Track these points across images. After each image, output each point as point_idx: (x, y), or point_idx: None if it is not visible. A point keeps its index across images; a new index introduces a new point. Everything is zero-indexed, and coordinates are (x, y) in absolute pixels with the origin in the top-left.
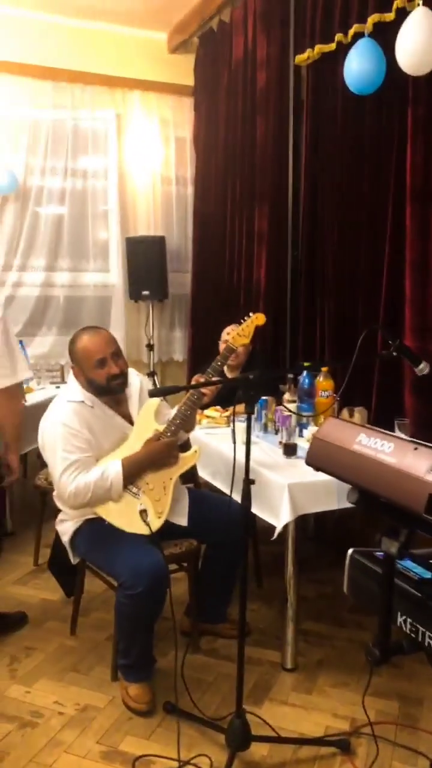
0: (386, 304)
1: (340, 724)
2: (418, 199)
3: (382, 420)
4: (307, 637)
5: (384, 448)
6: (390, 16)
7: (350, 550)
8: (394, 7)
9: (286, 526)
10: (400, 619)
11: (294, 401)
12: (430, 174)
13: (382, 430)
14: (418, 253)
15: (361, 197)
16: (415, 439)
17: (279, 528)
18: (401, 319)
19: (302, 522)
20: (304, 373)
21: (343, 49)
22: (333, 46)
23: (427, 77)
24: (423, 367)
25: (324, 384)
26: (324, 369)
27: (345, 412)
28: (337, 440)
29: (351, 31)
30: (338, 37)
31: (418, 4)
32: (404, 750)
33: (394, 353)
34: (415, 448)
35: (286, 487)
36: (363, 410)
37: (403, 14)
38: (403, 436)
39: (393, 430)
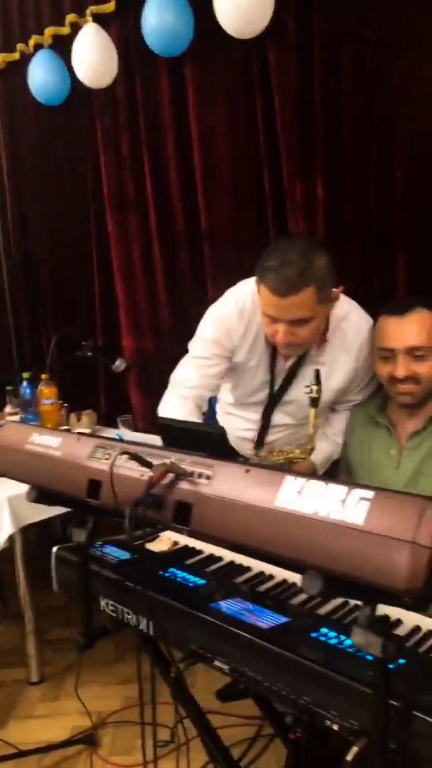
0: (102, 308)
1: (85, 721)
2: (115, 207)
3: (113, 419)
4: (54, 646)
5: (52, 443)
6: (65, 30)
7: (54, 548)
8: (67, 21)
9: (12, 539)
10: (103, 603)
11: (17, 413)
12: (123, 183)
13: (56, 429)
14: (122, 259)
15: (66, 206)
16: (87, 432)
17: (1, 542)
18: (117, 321)
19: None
20: (24, 383)
21: (29, 60)
22: (17, 55)
23: (108, 89)
24: (119, 364)
25: (46, 392)
26: (44, 376)
27: (72, 417)
28: (13, 443)
29: (31, 42)
30: (20, 47)
31: (89, 20)
32: (147, 726)
33: (89, 353)
34: (78, 439)
35: (5, 501)
36: (91, 413)
37: (78, 28)
38: (125, 431)
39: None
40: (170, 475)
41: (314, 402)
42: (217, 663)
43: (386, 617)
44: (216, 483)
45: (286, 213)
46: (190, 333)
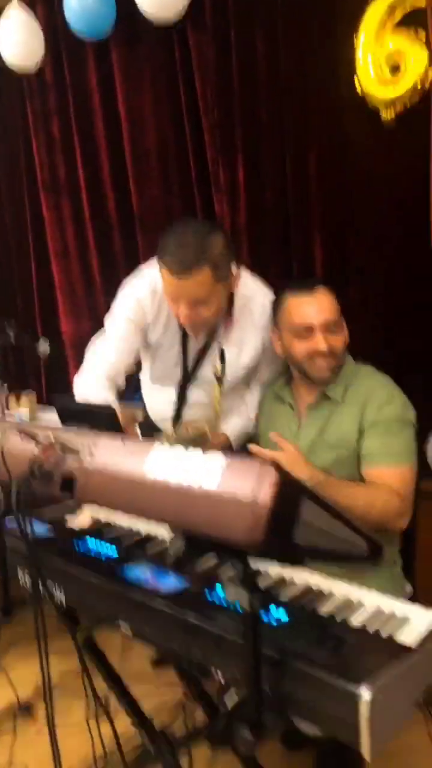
0: (39, 291)
1: (26, 692)
2: (49, 191)
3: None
4: None
5: None
6: None
7: None
8: None
9: None
10: (21, 576)
11: None
12: (56, 167)
13: None
14: (58, 242)
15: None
16: None
17: None
18: (55, 304)
19: None
20: None
21: None
22: None
23: (38, 72)
24: (42, 348)
25: None
26: None
27: (12, 398)
28: None
29: None
30: None
31: (15, 1)
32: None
33: (13, 342)
34: None
35: None
36: (31, 393)
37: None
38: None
39: None
40: (57, 451)
41: (219, 380)
42: (121, 625)
43: (255, 572)
44: (97, 456)
45: (212, 196)
46: None
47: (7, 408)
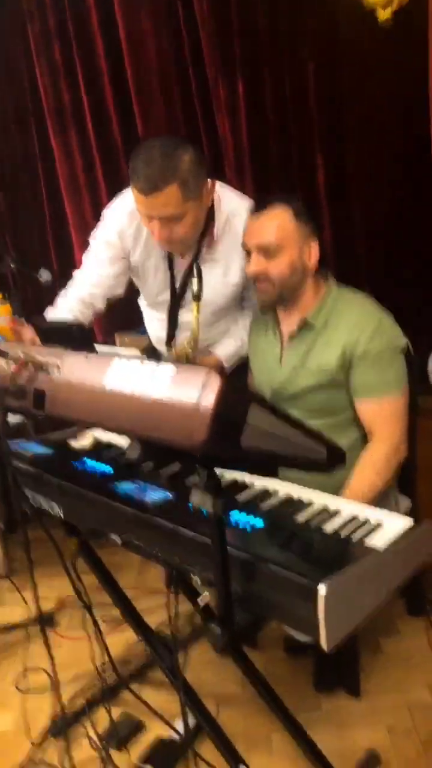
0: (52, 227)
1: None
2: (55, 116)
3: None
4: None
5: None
6: None
7: None
8: None
9: None
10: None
11: None
12: (60, 92)
13: None
14: (67, 174)
15: (5, 118)
16: None
17: None
18: (69, 240)
19: None
20: None
21: None
22: None
23: None
24: (45, 277)
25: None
26: None
27: None
28: None
29: None
30: None
31: None
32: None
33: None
34: None
35: None
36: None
37: None
38: None
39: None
40: (30, 367)
41: (195, 296)
42: (111, 536)
43: (218, 478)
44: (64, 371)
45: (213, 112)
46: None
47: None
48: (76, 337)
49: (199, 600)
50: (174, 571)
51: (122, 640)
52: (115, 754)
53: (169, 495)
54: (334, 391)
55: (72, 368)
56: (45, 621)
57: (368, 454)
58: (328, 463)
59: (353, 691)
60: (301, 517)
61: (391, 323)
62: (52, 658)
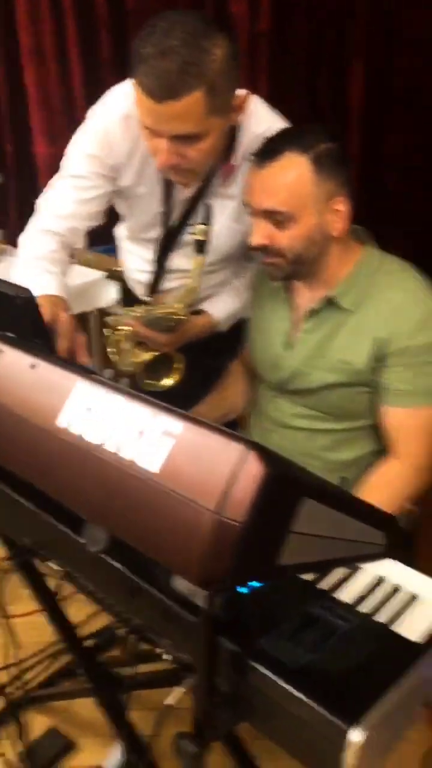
0: (10, 102)
1: None
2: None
3: None
4: None
5: None
6: None
7: None
8: None
9: None
10: None
11: None
12: None
13: None
14: (32, 39)
15: None
16: None
17: None
18: (27, 123)
19: None
20: None
21: None
22: None
23: None
24: None
25: None
26: None
27: None
28: None
29: None
30: None
31: None
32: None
33: None
34: None
35: None
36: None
37: None
38: None
39: None
40: None
41: (199, 247)
42: (51, 564)
43: None
44: None
45: None
46: None
47: None
48: (17, 314)
49: (169, 701)
50: (133, 634)
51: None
52: None
53: None
54: (356, 391)
55: (7, 377)
56: None
57: (383, 471)
58: (388, 550)
59: None
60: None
61: None
62: None
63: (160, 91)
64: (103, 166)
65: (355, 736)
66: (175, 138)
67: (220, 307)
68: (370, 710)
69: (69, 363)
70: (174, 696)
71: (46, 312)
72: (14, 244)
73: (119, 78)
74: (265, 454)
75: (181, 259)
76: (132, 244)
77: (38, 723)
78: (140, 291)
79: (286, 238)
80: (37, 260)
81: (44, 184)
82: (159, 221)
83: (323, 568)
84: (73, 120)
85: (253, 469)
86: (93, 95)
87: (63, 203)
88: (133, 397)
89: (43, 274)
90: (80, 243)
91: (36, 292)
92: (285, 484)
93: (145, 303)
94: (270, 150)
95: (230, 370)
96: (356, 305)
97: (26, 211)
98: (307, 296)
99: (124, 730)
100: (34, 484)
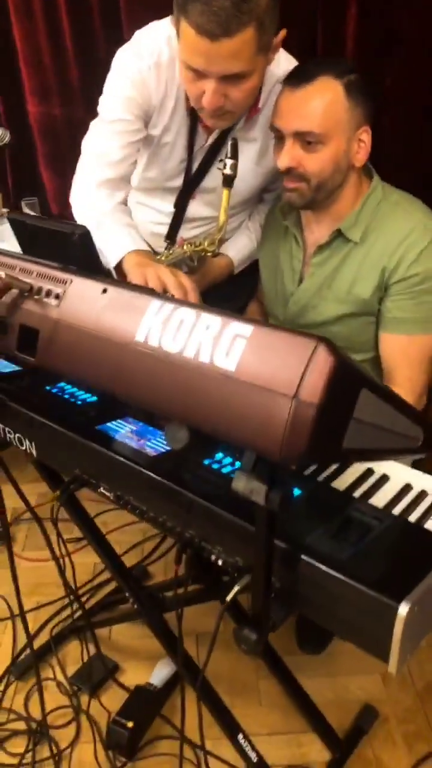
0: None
1: None
2: None
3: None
4: None
5: None
6: None
7: None
8: None
9: None
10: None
11: None
12: None
13: None
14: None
15: None
16: None
17: None
18: (20, 80)
19: None
20: None
21: None
22: None
23: None
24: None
25: None
26: None
27: None
28: None
29: None
30: None
31: None
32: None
33: None
34: None
35: None
36: None
37: None
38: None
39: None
40: (12, 292)
41: (228, 180)
42: (102, 490)
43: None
44: (67, 305)
45: None
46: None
47: None
48: (76, 250)
49: (228, 598)
50: (186, 547)
51: (88, 563)
52: (85, 700)
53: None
54: (364, 323)
55: (81, 302)
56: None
57: None
58: (423, 446)
59: None
60: (342, 481)
61: None
62: (16, 580)
63: (217, 28)
64: (141, 109)
65: (403, 609)
66: (223, 78)
67: (238, 249)
68: (413, 589)
69: (135, 286)
70: (232, 593)
71: (139, 273)
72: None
73: (110, 31)
74: (332, 346)
75: (198, 207)
76: (146, 196)
77: (81, 653)
78: (155, 243)
79: (314, 161)
80: (108, 216)
81: (39, 145)
82: (181, 169)
83: (376, 456)
84: (65, 78)
85: (324, 358)
86: (84, 55)
87: (111, 150)
88: (203, 308)
89: (122, 229)
90: (129, 188)
91: (121, 251)
92: (349, 373)
93: (165, 249)
94: (305, 73)
95: (247, 312)
96: (363, 237)
97: (21, 173)
98: (316, 232)
99: (173, 645)
100: (118, 397)
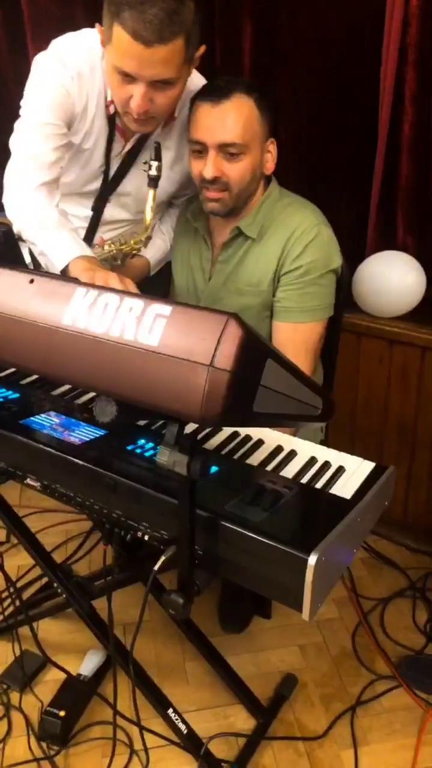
0: None
1: None
2: None
3: None
4: None
5: None
6: None
7: None
8: None
9: None
10: None
11: None
12: None
13: None
14: None
15: None
16: None
17: None
18: None
19: None
20: None
21: None
22: None
23: None
24: None
25: None
26: None
27: None
28: None
29: None
30: None
31: None
32: None
33: None
34: None
35: None
36: None
37: None
38: None
39: None
40: None
41: (153, 181)
42: (29, 481)
43: (194, 433)
44: None
45: None
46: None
47: None
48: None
49: (156, 567)
50: (114, 527)
51: (12, 566)
52: (16, 697)
53: (101, 431)
54: (263, 317)
55: (9, 293)
56: None
57: None
58: (322, 415)
59: (265, 614)
60: (254, 457)
61: (329, 238)
62: None
63: (152, 35)
64: (66, 115)
65: (312, 560)
66: (152, 84)
67: (155, 251)
68: (320, 542)
69: (59, 276)
70: (160, 562)
71: (87, 278)
72: None
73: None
74: (241, 320)
75: (113, 210)
76: (66, 202)
77: (8, 652)
78: None
79: (236, 170)
80: (51, 219)
81: None
82: (99, 175)
83: (283, 421)
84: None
85: (234, 331)
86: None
87: (44, 152)
88: (125, 294)
89: (67, 234)
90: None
91: (68, 257)
92: (256, 344)
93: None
94: (221, 90)
95: None
96: (260, 234)
97: None
98: (221, 232)
99: (103, 631)
100: (51, 379)
